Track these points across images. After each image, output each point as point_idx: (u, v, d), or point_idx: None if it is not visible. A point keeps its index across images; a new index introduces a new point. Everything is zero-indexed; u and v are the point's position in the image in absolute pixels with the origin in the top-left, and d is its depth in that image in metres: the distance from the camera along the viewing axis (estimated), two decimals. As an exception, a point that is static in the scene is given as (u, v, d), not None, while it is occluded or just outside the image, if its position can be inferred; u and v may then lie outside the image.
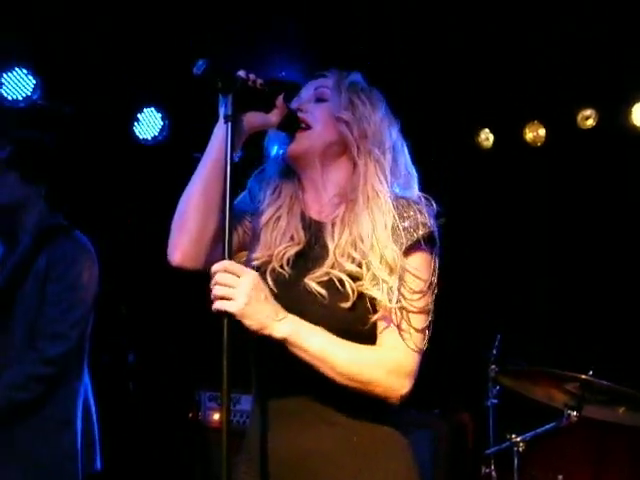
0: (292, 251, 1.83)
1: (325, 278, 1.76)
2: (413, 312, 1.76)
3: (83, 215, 3.23)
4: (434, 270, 1.80)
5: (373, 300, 1.75)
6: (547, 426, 3.24)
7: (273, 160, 1.96)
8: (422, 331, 1.77)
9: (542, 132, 5.06)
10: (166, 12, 4.17)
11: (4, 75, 4.24)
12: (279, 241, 1.85)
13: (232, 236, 1.72)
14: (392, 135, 1.89)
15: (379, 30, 4.37)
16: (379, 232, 1.76)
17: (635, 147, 4.78)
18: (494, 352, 3.72)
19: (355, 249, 1.77)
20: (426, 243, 1.78)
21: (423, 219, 1.78)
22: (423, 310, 1.77)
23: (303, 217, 1.89)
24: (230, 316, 1.63)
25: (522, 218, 5.23)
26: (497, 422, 3.68)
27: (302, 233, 1.86)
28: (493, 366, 3.65)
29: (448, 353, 4.98)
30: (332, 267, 1.76)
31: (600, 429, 4.31)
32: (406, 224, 1.77)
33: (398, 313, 1.74)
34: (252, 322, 1.65)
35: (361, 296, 1.75)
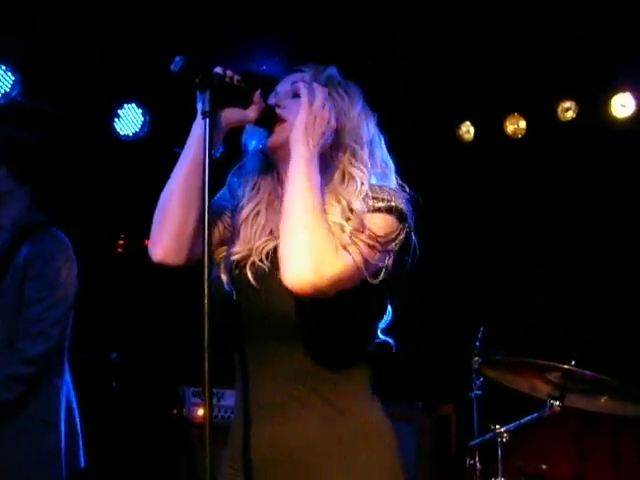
0: (271, 245, 1.82)
1: None
2: (364, 243, 1.74)
3: (64, 212, 3.22)
4: (395, 237, 1.77)
5: None
6: (530, 416, 3.26)
7: (251, 156, 1.96)
8: (366, 257, 1.73)
9: (523, 124, 5.09)
10: (147, 8, 4.15)
11: (-19, 72, 4.21)
12: (258, 236, 1.86)
13: (212, 232, 1.72)
14: (369, 129, 1.90)
15: (360, 23, 4.37)
16: (353, 202, 1.78)
17: (615, 138, 4.81)
18: (477, 344, 3.73)
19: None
20: (388, 210, 1.78)
21: (391, 198, 1.79)
22: (373, 245, 1.74)
23: (282, 212, 1.87)
24: (210, 310, 1.62)
25: (505, 210, 5.25)
26: (481, 413, 3.69)
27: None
28: (476, 358, 3.66)
29: (431, 345, 5.01)
30: None
31: (583, 418, 4.34)
32: (376, 201, 1.79)
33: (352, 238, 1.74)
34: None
35: None
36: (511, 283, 5.17)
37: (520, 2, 4.26)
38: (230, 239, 1.90)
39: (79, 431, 2.92)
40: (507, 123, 5.11)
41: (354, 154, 1.85)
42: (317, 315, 1.75)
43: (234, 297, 1.82)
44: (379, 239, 1.74)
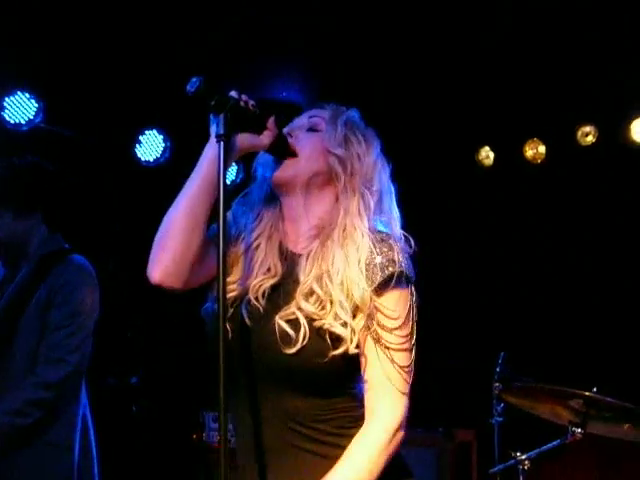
0: (268, 284, 1.79)
1: (293, 317, 1.72)
2: (396, 350, 1.74)
3: (86, 238, 3.24)
4: (410, 307, 1.77)
5: (336, 336, 1.71)
6: (552, 443, 3.23)
7: (258, 185, 1.93)
8: (405, 369, 1.74)
9: (542, 149, 5.08)
10: (168, 34, 4.20)
11: (6, 99, 4.27)
12: (256, 272, 1.82)
13: (212, 259, 1.69)
14: (382, 179, 1.87)
15: (380, 49, 4.40)
16: (350, 268, 1.73)
17: (635, 163, 4.79)
18: (498, 369, 3.71)
19: (321, 286, 1.74)
20: (398, 281, 1.74)
21: (394, 256, 1.74)
22: (402, 348, 1.74)
23: (281, 248, 1.86)
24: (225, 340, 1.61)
25: (525, 235, 5.23)
26: (502, 440, 3.66)
27: (279, 265, 1.82)
28: (497, 384, 3.64)
29: (452, 371, 4.98)
30: (298, 308, 1.74)
31: (605, 446, 4.29)
32: (378, 260, 1.74)
33: (382, 353, 1.73)
34: None
35: (320, 332, 1.71)
36: (532, 308, 5.13)
37: (540, 28, 4.27)
38: (230, 272, 1.84)
39: (94, 454, 2.92)
40: (527, 148, 5.11)
41: (363, 199, 1.81)
42: (312, 369, 1.71)
43: (229, 334, 1.73)
44: (398, 326, 1.73)
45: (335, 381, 1.75)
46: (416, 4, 4.12)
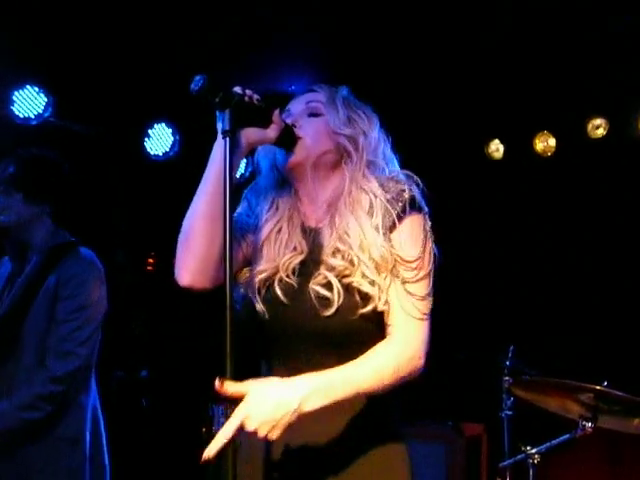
0: (297, 260, 1.85)
1: (325, 281, 1.80)
2: (413, 282, 1.80)
3: (94, 232, 3.24)
4: (426, 232, 1.84)
5: (364, 293, 1.79)
6: (562, 437, 3.22)
7: (266, 174, 1.97)
8: (425, 297, 1.81)
9: (552, 142, 5.07)
10: (176, 28, 4.20)
11: (16, 93, 4.28)
12: (283, 252, 1.87)
13: (236, 251, 1.73)
14: (386, 150, 1.94)
15: (390, 42, 4.39)
16: (365, 231, 1.81)
17: (646, 156, 4.77)
18: (508, 363, 3.70)
19: (344, 244, 1.81)
20: (411, 207, 1.83)
21: (402, 186, 1.84)
22: (423, 276, 1.81)
23: (303, 227, 1.91)
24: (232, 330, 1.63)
25: (535, 228, 5.22)
26: (511, 434, 3.66)
27: (304, 242, 1.88)
28: (507, 377, 3.63)
29: (461, 364, 4.97)
30: (328, 269, 1.81)
31: (615, 440, 4.28)
32: (389, 196, 1.83)
33: (399, 288, 1.79)
34: (288, 418, 1.65)
35: (350, 289, 1.79)
36: (542, 301, 5.12)
37: (549, 20, 4.25)
38: (253, 258, 1.90)
39: (105, 448, 2.93)
40: (537, 141, 5.09)
41: (369, 166, 1.88)
42: (348, 328, 1.77)
43: (265, 315, 1.82)
44: (419, 256, 1.79)
45: (369, 339, 1.79)
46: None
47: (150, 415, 4.76)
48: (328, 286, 1.78)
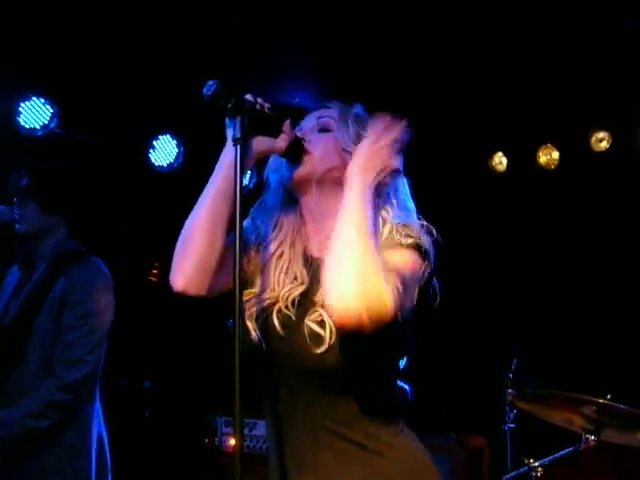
0: (296, 292, 1.80)
1: (319, 319, 1.73)
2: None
3: (99, 242, 3.25)
4: (422, 275, 1.74)
5: None
6: (565, 450, 3.22)
7: (273, 192, 1.94)
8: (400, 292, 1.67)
9: (555, 155, 5.07)
10: (181, 40, 4.22)
11: (22, 104, 4.30)
12: (282, 282, 1.83)
13: (242, 263, 1.71)
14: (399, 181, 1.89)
15: (393, 52, 4.40)
16: None
17: (649, 169, 4.77)
18: (511, 376, 3.70)
19: None
20: (415, 249, 1.74)
21: (417, 235, 1.75)
22: (402, 286, 1.67)
23: (304, 254, 1.87)
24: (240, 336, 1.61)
25: (538, 241, 5.22)
26: (514, 446, 3.65)
27: (305, 272, 1.83)
28: (510, 390, 3.62)
29: (464, 377, 4.96)
30: (321, 305, 1.74)
31: (619, 453, 4.26)
32: (397, 237, 1.76)
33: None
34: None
35: None
36: (546, 314, 5.11)
37: (553, 33, 4.26)
38: (254, 281, 1.87)
39: (108, 459, 2.94)
40: (540, 154, 5.10)
41: (380, 194, 1.81)
42: (345, 361, 1.72)
43: (261, 345, 1.78)
44: (405, 276, 1.69)
45: (365, 376, 1.75)
46: (430, 8, 4.11)
47: (153, 425, 4.75)
48: (322, 323, 1.72)
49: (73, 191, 2.98)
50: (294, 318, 1.77)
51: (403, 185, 1.89)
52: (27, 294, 2.87)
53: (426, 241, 1.76)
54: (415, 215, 1.86)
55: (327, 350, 1.71)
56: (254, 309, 1.81)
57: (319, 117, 1.91)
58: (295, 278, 1.83)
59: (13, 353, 2.81)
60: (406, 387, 1.90)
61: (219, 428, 4.67)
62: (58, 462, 2.76)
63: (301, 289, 1.80)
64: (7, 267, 3.06)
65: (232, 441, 4.58)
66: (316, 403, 1.75)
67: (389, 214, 1.80)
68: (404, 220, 1.80)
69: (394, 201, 1.84)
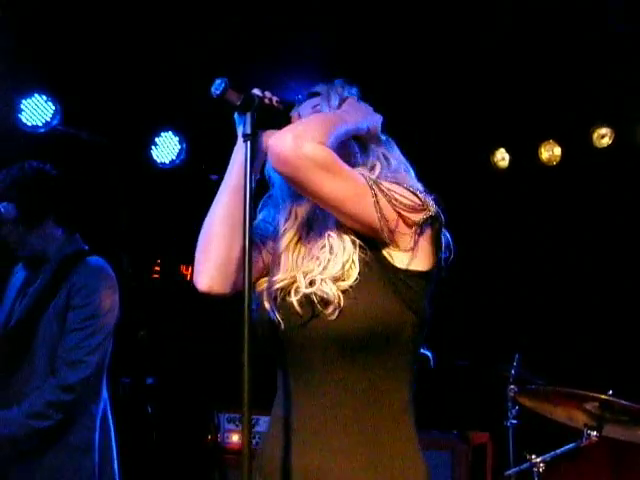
0: (315, 272, 1.79)
1: (325, 286, 1.76)
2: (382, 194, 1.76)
3: (102, 240, 3.25)
4: (418, 210, 1.77)
5: None
6: (567, 446, 3.22)
7: (279, 186, 1.94)
8: (381, 203, 1.74)
9: (558, 151, 5.07)
10: (183, 37, 4.22)
11: (24, 101, 4.30)
12: (301, 262, 1.84)
13: (256, 258, 1.71)
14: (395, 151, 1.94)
15: (395, 49, 4.40)
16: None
17: (652, 165, 4.77)
18: (513, 372, 3.70)
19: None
20: (413, 193, 1.79)
21: (418, 193, 1.79)
22: (390, 204, 1.75)
23: (322, 237, 1.86)
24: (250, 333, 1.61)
25: (540, 237, 5.22)
26: (517, 442, 3.65)
27: (323, 253, 1.83)
28: (512, 386, 3.63)
29: (466, 373, 4.97)
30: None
31: (621, 449, 4.27)
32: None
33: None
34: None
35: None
36: (548, 310, 5.12)
37: (555, 30, 4.26)
38: (272, 267, 1.88)
39: (114, 456, 2.94)
40: (542, 150, 5.09)
41: (368, 155, 1.87)
42: (363, 341, 1.73)
43: (280, 325, 1.79)
44: (396, 199, 1.73)
45: (383, 346, 1.75)
46: (433, 6, 4.11)
47: (155, 422, 4.76)
48: (326, 289, 1.74)
49: (47, 195, 2.91)
50: (312, 297, 1.77)
51: (393, 151, 1.92)
52: (32, 296, 2.86)
53: (430, 200, 1.79)
54: (411, 179, 1.88)
55: (340, 313, 1.71)
56: (271, 290, 1.82)
57: (314, 105, 1.93)
58: (312, 258, 1.82)
59: (19, 355, 2.81)
60: (428, 354, 1.86)
61: (222, 425, 4.68)
62: (63, 462, 2.76)
63: (318, 270, 1.79)
64: (11, 266, 3.06)
65: (234, 437, 4.58)
66: (331, 381, 1.75)
67: (375, 172, 1.83)
68: (395, 179, 1.83)
69: (384, 163, 1.87)
